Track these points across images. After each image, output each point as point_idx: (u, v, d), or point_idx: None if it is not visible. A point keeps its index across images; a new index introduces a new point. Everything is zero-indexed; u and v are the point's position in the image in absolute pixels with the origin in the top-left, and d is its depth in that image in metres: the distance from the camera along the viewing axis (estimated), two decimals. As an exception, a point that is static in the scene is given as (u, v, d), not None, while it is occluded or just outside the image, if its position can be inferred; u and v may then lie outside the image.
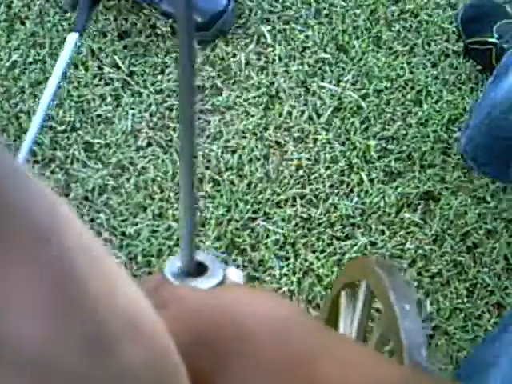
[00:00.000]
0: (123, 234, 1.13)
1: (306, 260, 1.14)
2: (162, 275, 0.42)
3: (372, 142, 1.22)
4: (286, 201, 1.18)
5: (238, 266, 1.12)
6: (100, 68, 1.26)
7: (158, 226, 1.14)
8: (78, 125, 1.21)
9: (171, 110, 1.24)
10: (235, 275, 0.45)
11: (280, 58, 1.29)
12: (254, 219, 1.16)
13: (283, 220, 1.16)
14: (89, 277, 0.26)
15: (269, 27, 1.32)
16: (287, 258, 1.14)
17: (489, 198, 1.19)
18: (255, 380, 0.34)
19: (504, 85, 1.09)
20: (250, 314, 0.36)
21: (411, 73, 1.29)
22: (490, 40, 1.27)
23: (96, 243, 0.27)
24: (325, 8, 1.34)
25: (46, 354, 0.24)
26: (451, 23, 1.34)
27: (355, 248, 1.14)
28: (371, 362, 0.33)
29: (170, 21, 1.28)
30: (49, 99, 0.95)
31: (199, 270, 0.43)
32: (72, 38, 1.02)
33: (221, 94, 1.24)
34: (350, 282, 0.78)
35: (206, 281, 0.41)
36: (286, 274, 1.12)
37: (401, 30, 1.33)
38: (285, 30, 1.32)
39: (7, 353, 0.23)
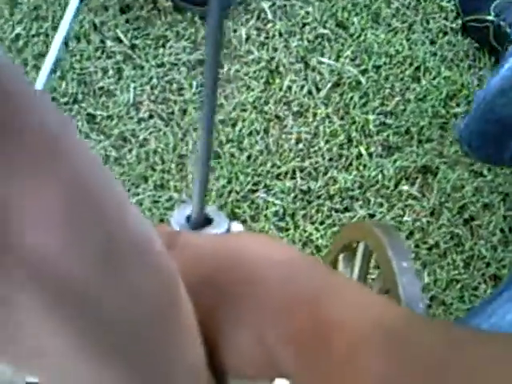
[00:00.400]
0: (125, 204, 1.15)
1: (305, 231, 1.15)
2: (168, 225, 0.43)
3: (371, 117, 1.24)
4: (286, 173, 1.20)
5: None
6: (102, 41, 1.27)
7: (159, 197, 1.16)
8: (80, 97, 1.22)
9: (172, 83, 1.25)
10: (239, 229, 0.46)
11: (280, 34, 1.30)
12: (254, 191, 1.17)
13: (283, 192, 1.18)
14: (101, 194, 0.27)
15: (269, 3, 1.33)
16: (287, 229, 1.15)
17: (485, 172, 1.21)
18: (266, 320, 0.35)
19: (500, 72, 1.11)
20: (259, 257, 0.37)
21: (410, 49, 1.30)
22: (487, 18, 1.29)
23: (106, 170, 0.28)
24: (325, -15, 1.35)
25: (60, 266, 0.25)
26: (449, 1, 1.35)
27: (354, 220, 1.16)
28: (380, 305, 0.34)
29: (172, -4, 1.29)
30: (51, 63, 0.97)
31: (205, 221, 0.44)
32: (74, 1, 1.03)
33: (221, 68, 1.25)
34: (348, 244, 0.79)
35: (211, 231, 0.42)
36: (285, 245, 1.14)
37: (400, 7, 1.34)
38: (285, 6, 1.33)
39: (27, 268, 0.24)
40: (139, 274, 0.28)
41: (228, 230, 0.44)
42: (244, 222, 1.15)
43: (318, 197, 1.18)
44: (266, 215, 1.16)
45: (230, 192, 1.17)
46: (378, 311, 0.33)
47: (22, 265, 0.24)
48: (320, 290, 0.35)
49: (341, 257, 0.81)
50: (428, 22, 1.33)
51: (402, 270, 0.67)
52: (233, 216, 1.15)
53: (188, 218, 0.43)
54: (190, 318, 0.33)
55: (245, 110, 1.22)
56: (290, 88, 1.26)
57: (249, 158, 1.19)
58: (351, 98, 1.25)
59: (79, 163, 0.26)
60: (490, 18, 1.29)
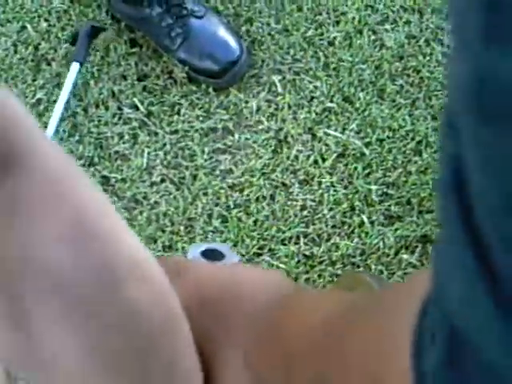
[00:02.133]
0: (134, 263, 1.19)
1: (307, 295, 1.19)
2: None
3: (373, 187, 1.29)
4: (290, 238, 1.24)
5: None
6: (119, 108, 1.34)
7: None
8: (96, 160, 1.29)
9: (184, 149, 1.31)
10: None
11: (289, 106, 1.37)
12: (260, 254, 1.22)
13: (287, 256, 1.22)
14: (99, 219, 0.32)
15: (280, 77, 1.40)
16: (289, 293, 1.19)
17: (483, 244, 1.24)
18: (251, 332, 0.39)
19: None
20: (249, 282, 0.42)
21: (412, 124, 1.36)
22: None
23: (104, 197, 0.33)
24: (333, 62, 1.43)
25: (67, 274, 0.30)
26: (451, 80, 1.42)
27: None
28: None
29: (186, 68, 1.36)
30: (54, 125, 1.03)
31: (217, 256, 0.49)
32: (74, 67, 1.10)
33: (232, 136, 1.32)
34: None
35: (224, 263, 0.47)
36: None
37: (404, 84, 1.41)
38: (294, 80, 1.40)
39: (41, 273, 0.29)
40: (136, 290, 0.33)
41: None
42: (248, 284, 1.19)
43: (321, 262, 1.22)
44: (269, 278, 1.19)
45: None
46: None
47: (47, 276, 0.29)
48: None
49: None
50: (430, 99, 1.40)
51: None
52: (238, 278, 1.19)
53: (203, 253, 0.48)
54: (186, 338, 0.37)
55: (253, 176, 1.28)
56: (296, 157, 1.32)
57: (255, 222, 1.24)
58: (355, 168, 1.31)
59: (80, 201, 0.31)
60: None
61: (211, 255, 0.49)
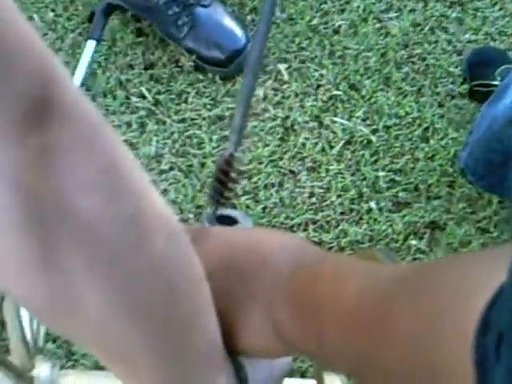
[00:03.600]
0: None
1: (316, 281, 1.19)
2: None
3: (381, 174, 1.29)
4: (299, 225, 1.25)
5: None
6: (127, 97, 1.34)
7: (177, 245, 1.20)
8: (104, 149, 1.29)
9: (192, 138, 1.31)
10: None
11: (296, 94, 1.37)
12: (269, 241, 1.22)
13: (296, 243, 1.22)
14: (130, 171, 0.33)
15: (286, 65, 1.40)
16: (299, 279, 1.19)
17: (492, 229, 1.25)
18: (274, 293, 0.40)
19: (505, 101, 1.17)
20: (271, 243, 0.42)
21: (419, 111, 1.36)
22: (492, 83, 1.36)
23: (130, 154, 0.34)
24: (338, 50, 1.43)
25: (97, 222, 0.30)
26: (457, 67, 1.42)
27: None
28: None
29: (193, 56, 1.36)
30: None
31: (232, 222, 0.50)
32: (90, 44, 1.10)
33: (240, 124, 1.32)
34: None
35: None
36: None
37: (409, 71, 1.41)
38: (300, 68, 1.40)
39: (73, 218, 0.30)
40: (162, 243, 0.33)
41: None
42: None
43: (330, 248, 1.22)
44: (279, 264, 1.20)
45: (245, 242, 1.22)
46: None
47: (79, 222, 0.29)
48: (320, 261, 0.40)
49: None
50: (436, 86, 1.40)
51: None
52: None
53: (218, 218, 0.49)
54: (207, 295, 0.37)
55: (261, 164, 1.28)
56: (304, 145, 1.32)
57: (264, 209, 1.25)
58: (362, 155, 1.31)
59: (115, 147, 0.32)
60: (496, 83, 1.35)
61: (226, 221, 0.50)
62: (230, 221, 0.51)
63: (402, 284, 0.32)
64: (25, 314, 0.74)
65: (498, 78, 1.35)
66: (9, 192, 0.28)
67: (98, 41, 1.12)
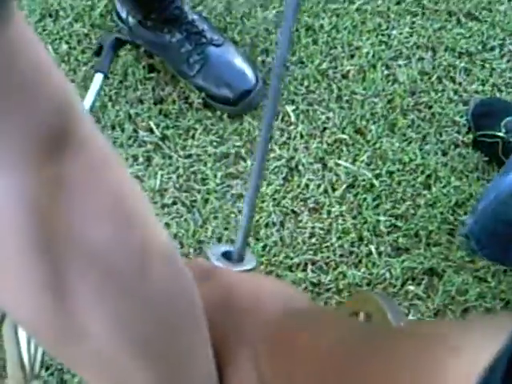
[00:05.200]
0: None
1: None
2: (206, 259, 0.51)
3: (382, 218, 1.30)
4: (298, 265, 1.25)
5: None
6: (135, 131, 1.37)
7: (175, 279, 1.21)
8: (110, 180, 1.30)
9: (197, 173, 1.33)
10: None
11: (301, 136, 1.39)
12: (267, 279, 1.23)
13: (294, 283, 1.23)
14: (136, 203, 0.34)
15: (293, 107, 1.42)
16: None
17: (489, 279, 1.26)
18: (260, 345, 0.41)
19: (510, 175, 1.18)
20: (266, 286, 0.44)
21: (422, 158, 1.38)
22: (497, 134, 1.37)
23: (136, 183, 0.35)
24: (346, 94, 1.45)
25: (106, 251, 0.32)
26: (462, 117, 1.44)
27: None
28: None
29: (203, 94, 1.39)
30: None
31: (238, 258, 0.51)
32: (98, 77, 1.13)
33: (244, 162, 1.34)
34: (350, 315, 0.85)
35: (243, 266, 0.50)
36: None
37: (415, 119, 1.43)
38: (308, 110, 1.42)
39: (82, 247, 0.31)
40: (167, 276, 0.34)
41: (255, 268, 0.52)
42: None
43: (327, 290, 1.23)
44: (276, 303, 1.21)
45: (243, 279, 1.22)
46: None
47: (83, 255, 0.30)
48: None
49: None
50: (441, 135, 1.42)
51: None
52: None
53: (223, 254, 0.51)
54: (205, 330, 0.38)
55: (263, 202, 1.30)
56: (307, 186, 1.34)
57: (264, 247, 1.26)
58: (364, 199, 1.33)
59: (124, 179, 0.33)
60: (501, 134, 1.37)
61: (231, 256, 0.52)
62: (235, 257, 0.52)
63: (372, 340, 0.33)
64: (23, 338, 0.75)
65: (503, 130, 1.37)
66: (24, 215, 0.29)
67: (106, 75, 1.14)
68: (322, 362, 0.35)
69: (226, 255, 0.51)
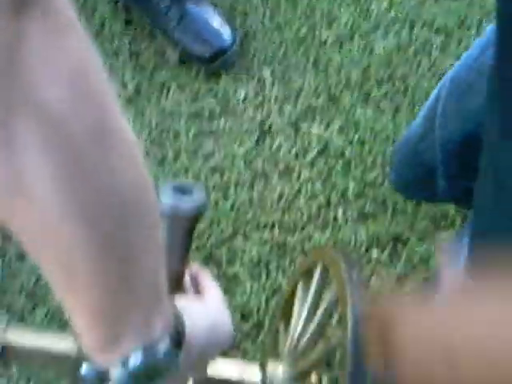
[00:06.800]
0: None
1: (276, 281, 1.21)
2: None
3: (351, 184, 1.31)
4: (265, 225, 1.26)
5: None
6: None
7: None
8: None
9: (169, 130, 1.33)
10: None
11: (276, 99, 1.39)
12: (233, 237, 1.24)
13: (260, 242, 1.24)
14: (100, 80, 0.34)
15: (269, 70, 1.42)
16: (259, 277, 1.21)
17: (452, 249, 1.27)
18: None
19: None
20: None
21: (394, 128, 1.39)
22: None
23: (100, 63, 0.35)
24: (322, 62, 1.45)
25: (60, 115, 0.31)
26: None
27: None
28: None
29: (179, 49, 1.38)
30: None
31: (186, 191, 0.54)
32: None
33: (218, 121, 1.34)
34: (307, 270, 0.86)
35: (191, 200, 0.53)
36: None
37: (389, 90, 1.44)
38: (284, 74, 1.43)
39: (36, 104, 0.31)
40: (123, 164, 0.34)
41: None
42: (220, 264, 1.21)
43: (293, 250, 1.24)
44: (241, 261, 1.21)
45: (209, 235, 1.23)
46: None
47: (35, 112, 0.30)
48: None
49: (300, 282, 0.88)
50: (414, 107, 1.43)
51: (352, 278, 0.74)
52: (210, 258, 1.21)
53: (174, 188, 0.53)
54: (159, 238, 0.39)
55: (234, 162, 1.30)
56: (278, 149, 1.34)
57: (232, 206, 1.26)
58: (334, 165, 1.33)
59: (88, 52, 0.33)
60: None
61: (180, 190, 0.54)
62: (184, 190, 0.54)
63: None
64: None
65: None
66: None
67: None
68: None
69: (177, 189, 0.53)
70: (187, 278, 0.63)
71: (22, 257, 1.13)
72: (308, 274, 0.88)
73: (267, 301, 1.18)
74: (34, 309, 1.11)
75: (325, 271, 0.83)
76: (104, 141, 0.33)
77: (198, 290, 0.61)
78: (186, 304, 0.47)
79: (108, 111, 0.34)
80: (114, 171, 0.34)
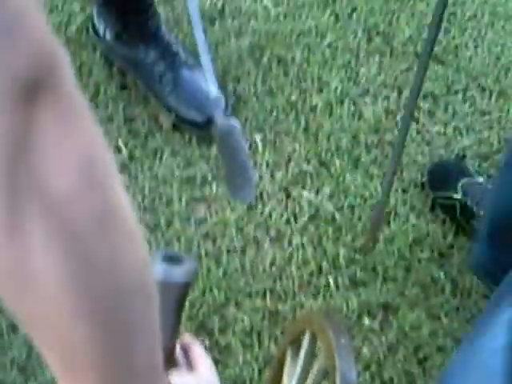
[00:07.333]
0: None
1: (269, 350, 1.21)
2: None
3: (342, 251, 1.33)
4: (257, 293, 1.27)
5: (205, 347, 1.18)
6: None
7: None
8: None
9: (162, 195, 1.34)
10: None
11: (267, 165, 1.41)
12: (225, 305, 1.24)
13: (252, 310, 1.24)
14: (107, 166, 0.34)
15: (261, 136, 1.44)
16: (251, 346, 1.21)
17: (443, 316, 1.29)
18: None
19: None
20: None
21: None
22: (454, 196, 1.38)
23: (109, 152, 0.36)
24: (312, 127, 1.48)
25: (66, 202, 0.32)
26: (424, 156, 1.48)
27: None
28: None
29: (172, 115, 1.40)
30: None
31: (175, 261, 0.57)
32: None
33: (210, 187, 1.35)
34: (296, 337, 0.87)
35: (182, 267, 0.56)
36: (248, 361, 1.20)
37: (378, 155, 1.46)
38: (275, 140, 1.45)
39: (43, 191, 0.31)
40: (124, 245, 0.35)
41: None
42: (212, 334, 1.21)
43: (285, 319, 1.25)
44: (233, 330, 1.22)
45: (202, 304, 1.23)
46: None
47: (42, 199, 0.31)
48: None
49: (288, 350, 0.88)
50: (402, 173, 1.45)
51: (341, 346, 0.75)
52: (202, 327, 1.21)
53: (165, 257, 0.55)
54: (157, 316, 0.39)
55: (226, 228, 1.31)
56: (270, 214, 1.35)
57: (224, 273, 1.27)
58: (325, 231, 1.35)
59: (98, 140, 0.34)
60: (458, 196, 1.38)
61: (170, 259, 0.56)
62: (174, 259, 0.56)
63: None
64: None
65: (460, 192, 1.38)
66: None
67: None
68: None
69: (168, 258, 0.55)
70: (178, 351, 0.63)
71: (13, 329, 1.12)
72: (296, 342, 0.88)
73: (260, 371, 1.18)
74: (26, 383, 1.10)
75: (313, 339, 0.83)
76: (108, 222, 0.34)
77: (189, 362, 0.62)
78: (179, 380, 0.48)
79: (113, 195, 0.35)
80: (115, 251, 0.35)
